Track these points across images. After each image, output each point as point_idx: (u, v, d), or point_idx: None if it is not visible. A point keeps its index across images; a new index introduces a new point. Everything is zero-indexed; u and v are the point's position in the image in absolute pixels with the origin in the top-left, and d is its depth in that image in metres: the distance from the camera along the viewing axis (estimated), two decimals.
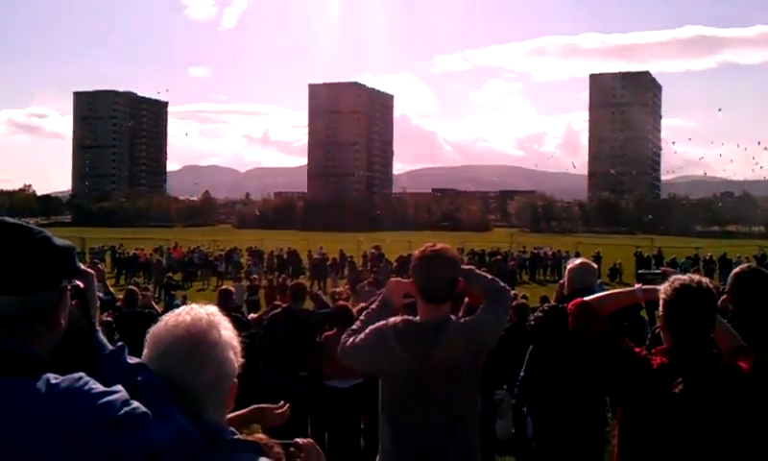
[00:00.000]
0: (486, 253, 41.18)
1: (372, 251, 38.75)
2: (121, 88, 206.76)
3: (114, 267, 35.93)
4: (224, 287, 10.90)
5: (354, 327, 3.12)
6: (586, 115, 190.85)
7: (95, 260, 27.75)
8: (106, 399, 1.35)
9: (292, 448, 1.72)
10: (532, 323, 5.08)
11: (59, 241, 1.48)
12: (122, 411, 1.35)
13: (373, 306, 3.19)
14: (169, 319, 1.61)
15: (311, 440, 1.80)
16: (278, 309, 7.79)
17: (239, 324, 7.26)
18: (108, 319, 7.53)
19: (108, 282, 11.70)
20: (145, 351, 1.60)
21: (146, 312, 8.38)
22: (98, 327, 1.63)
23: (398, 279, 3.32)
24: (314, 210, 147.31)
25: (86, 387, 1.36)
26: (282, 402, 2.27)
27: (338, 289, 16.41)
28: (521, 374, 5.57)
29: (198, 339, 1.56)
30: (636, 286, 3.19)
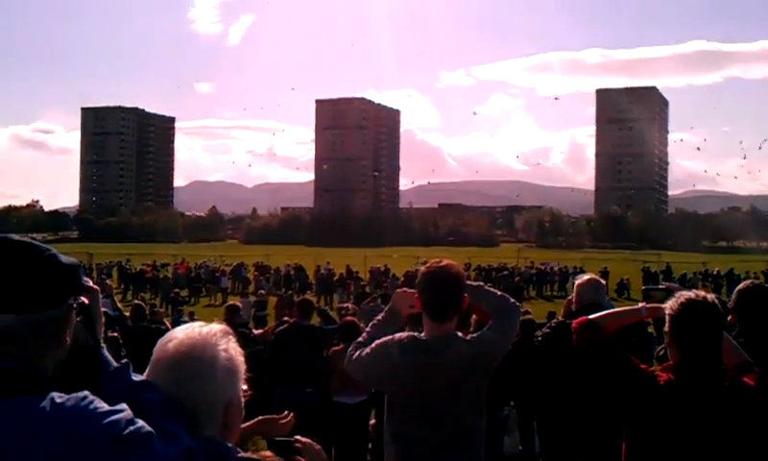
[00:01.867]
0: (492, 268, 41.19)
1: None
2: (128, 104, 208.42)
3: (121, 283, 36.04)
4: (231, 303, 10.90)
5: (360, 339, 3.13)
6: (590, 130, 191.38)
7: (102, 276, 27.85)
8: (111, 418, 1.34)
9: (297, 445, 1.73)
10: (540, 339, 5.07)
11: (65, 259, 1.48)
12: (127, 430, 1.34)
13: (380, 317, 3.21)
14: (167, 336, 1.62)
15: (310, 440, 1.79)
16: (286, 325, 7.77)
17: (245, 339, 7.27)
18: (115, 335, 7.52)
19: (115, 298, 11.72)
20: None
21: (153, 327, 8.37)
22: (103, 345, 1.63)
23: (405, 289, 3.33)
24: (320, 226, 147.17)
25: (91, 406, 1.35)
26: (287, 412, 2.25)
27: (345, 304, 16.39)
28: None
29: (182, 356, 1.55)
30: (641, 304, 3.19)
